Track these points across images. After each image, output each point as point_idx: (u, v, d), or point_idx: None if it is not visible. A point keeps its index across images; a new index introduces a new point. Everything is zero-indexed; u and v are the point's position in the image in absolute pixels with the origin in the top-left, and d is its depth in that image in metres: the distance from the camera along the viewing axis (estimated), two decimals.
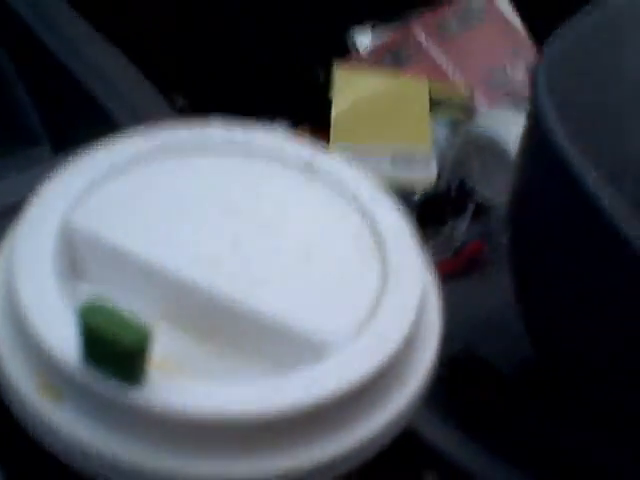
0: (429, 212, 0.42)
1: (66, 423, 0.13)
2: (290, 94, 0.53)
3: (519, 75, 0.57)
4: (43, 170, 0.18)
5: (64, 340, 0.13)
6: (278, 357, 0.15)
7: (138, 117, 0.26)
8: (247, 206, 0.16)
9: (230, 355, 0.15)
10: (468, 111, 0.54)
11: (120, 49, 0.32)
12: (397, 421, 0.15)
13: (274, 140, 0.18)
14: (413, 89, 0.54)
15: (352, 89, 0.53)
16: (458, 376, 0.29)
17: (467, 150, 0.48)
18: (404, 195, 0.43)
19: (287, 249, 0.16)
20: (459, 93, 0.55)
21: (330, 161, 0.18)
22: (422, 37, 0.57)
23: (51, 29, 0.30)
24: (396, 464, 0.19)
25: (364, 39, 0.56)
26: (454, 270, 0.38)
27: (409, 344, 0.15)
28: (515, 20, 0.58)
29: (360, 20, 0.55)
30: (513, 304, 0.29)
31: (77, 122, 0.30)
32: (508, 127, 0.47)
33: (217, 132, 0.18)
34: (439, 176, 0.47)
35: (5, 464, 0.20)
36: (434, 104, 0.53)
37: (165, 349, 0.13)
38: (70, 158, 0.17)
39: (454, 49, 0.57)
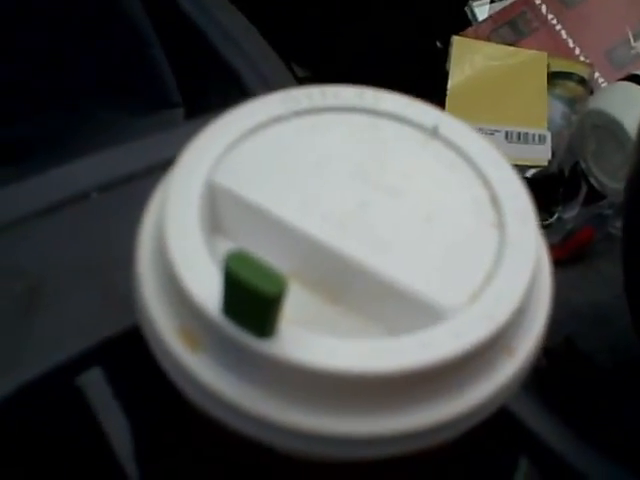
0: (540, 193, 0.41)
1: (202, 369, 0.15)
2: (408, 68, 0.53)
3: None
4: (180, 131, 0.19)
5: (207, 290, 0.14)
6: (397, 320, 0.15)
7: (267, 85, 0.27)
8: (373, 168, 0.17)
9: (351, 316, 0.16)
10: (587, 87, 0.51)
11: (247, 17, 0.33)
12: (503, 391, 0.16)
13: (401, 104, 0.19)
14: (531, 64, 0.52)
15: (469, 60, 0.52)
16: (557, 369, 0.29)
17: (584, 129, 0.47)
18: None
19: (409, 213, 0.17)
20: (579, 67, 0.53)
21: (455, 127, 0.18)
22: (541, 6, 0.55)
23: None
24: (492, 445, 0.19)
25: (483, 11, 0.55)
26: (561, 257, 0.37)
27: (521, 314, 0.16)
28: None
29: None
30: (621, 298, 0.28)
31: (209, 86, 0.31)
32: (629, 104, 0.45)
33: (348, 94, 0.18)
34: (553, 155, 0.46)
35: (138, 414, 0.21)
36: (552, 78, 0.51)
37: (291, 306, 0.14)
38: (206, 120, 0.18)
39: (574, 19, 0.55)
